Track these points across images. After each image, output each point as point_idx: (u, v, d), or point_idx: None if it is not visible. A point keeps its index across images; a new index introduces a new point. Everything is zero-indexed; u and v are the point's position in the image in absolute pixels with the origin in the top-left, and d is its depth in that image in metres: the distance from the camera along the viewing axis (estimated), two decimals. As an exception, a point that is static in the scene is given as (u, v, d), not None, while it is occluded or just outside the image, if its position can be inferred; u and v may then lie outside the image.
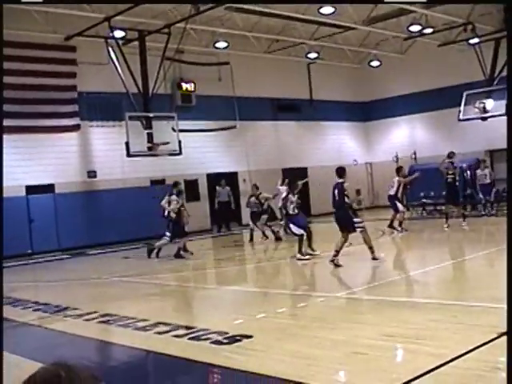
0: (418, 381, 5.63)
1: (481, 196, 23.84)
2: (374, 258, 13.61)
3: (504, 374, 5.85)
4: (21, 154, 21.30)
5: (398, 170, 20.85)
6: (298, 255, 14.99)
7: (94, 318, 9.90)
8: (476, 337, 6.74)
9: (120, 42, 22.19)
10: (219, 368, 6.82)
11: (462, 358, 6.13)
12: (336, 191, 13.57)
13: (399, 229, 19.91)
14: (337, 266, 13.27)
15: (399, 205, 20.11)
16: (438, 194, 25.96)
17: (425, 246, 18.17)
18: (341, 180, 13.69)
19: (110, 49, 21.88)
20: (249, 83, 28.35)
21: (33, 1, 18.43)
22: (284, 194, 16.55)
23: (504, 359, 6.19)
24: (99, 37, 21.90)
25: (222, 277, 15.36)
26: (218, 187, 25.78)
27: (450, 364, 5.98)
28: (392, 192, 19.98)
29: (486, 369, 5.84)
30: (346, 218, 13.59)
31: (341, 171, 13.81)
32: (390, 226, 20.16)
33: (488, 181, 23.65)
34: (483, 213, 23.59)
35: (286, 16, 23.67)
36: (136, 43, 22.74)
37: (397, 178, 20.19)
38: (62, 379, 1.49)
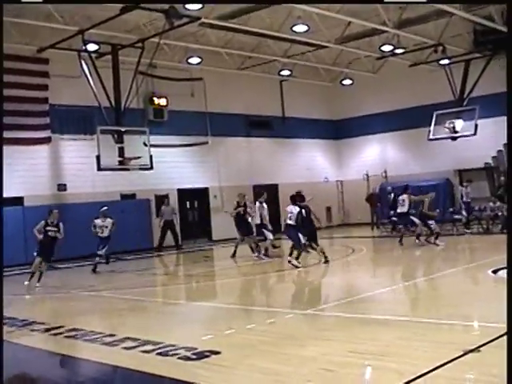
0: (384, 398, 5.65)
1: (464, 213, 23.99)
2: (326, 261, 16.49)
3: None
4: (-11, 165, 21.05)
5: (406, 187, 21.20)
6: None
7: (60, 333, 9.78)
8: (443, 354, 6.77)
9: (93, 55, 22.14)
10: (186, 384, 6.78)
11: (429, 375, 6.15)
12: (304, 211, 16.25)
13: (429, 241, 20.23)
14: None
15: (416, 219, 20.42)
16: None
17: (394, 263, 18.26)
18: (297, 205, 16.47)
19: (83, 62, 21.80)
20: (221, 99, 28.43)
21: (33, 0, 18.34)
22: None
23: (470, 376, 6.26)
24: (72, 50, 21.82)
25: (192, 292, 15.29)
26: (162, 206, 25.43)
27: (417, 381, 5.99)
28: (405, 209, 20.51)
29: (453, 386, 5.88)
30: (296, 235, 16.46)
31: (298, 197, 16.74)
32: (426, 239, 20.50)
33: (469, 199, 23.91)
34: (467, 231, 23.76)
35: (260, 33, 23.80)
36: (109, 57, 22.68)
37: (405, 196, 20.58)
38: None
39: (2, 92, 18.85)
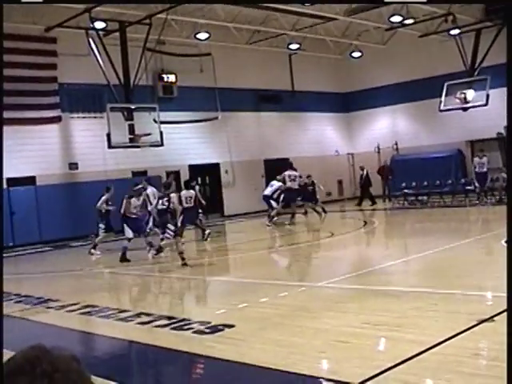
0: (399, 367, 5.68)
1: (476, 184, 23.79)
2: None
3: (484, 361, 5.93)
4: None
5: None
6: None
7: (76, 310, 9.87)
8: (456, 324, 6.80)
9: (101, 33, 22.06)
10: (201, 357, 6.83)
11: (443, 344, 6.18)
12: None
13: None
14: None
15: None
16: (420, 184, 26.17)
17: (406, 235, 18.26)
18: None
19: (91, 40, 21.74)
20: (230, 74, 28.29)
21: (33, 0, 18.28)
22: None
23: (484, 345, 6.28)
24: (80, 28, 21.75)
25: (204, 267, 15.35)
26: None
27: (431, 351, 6.02)
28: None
29: (466, 355, 5.89)
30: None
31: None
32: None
33: (485, 169, 23.65)
34: (477, 202, 23.62)
35: (268, 7, 23.63)
36: (117, 34, 22.61)
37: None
38: (42, 359, 1.50)
39: (1, 73, 18.78)
